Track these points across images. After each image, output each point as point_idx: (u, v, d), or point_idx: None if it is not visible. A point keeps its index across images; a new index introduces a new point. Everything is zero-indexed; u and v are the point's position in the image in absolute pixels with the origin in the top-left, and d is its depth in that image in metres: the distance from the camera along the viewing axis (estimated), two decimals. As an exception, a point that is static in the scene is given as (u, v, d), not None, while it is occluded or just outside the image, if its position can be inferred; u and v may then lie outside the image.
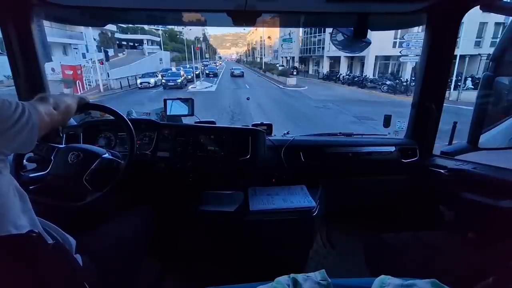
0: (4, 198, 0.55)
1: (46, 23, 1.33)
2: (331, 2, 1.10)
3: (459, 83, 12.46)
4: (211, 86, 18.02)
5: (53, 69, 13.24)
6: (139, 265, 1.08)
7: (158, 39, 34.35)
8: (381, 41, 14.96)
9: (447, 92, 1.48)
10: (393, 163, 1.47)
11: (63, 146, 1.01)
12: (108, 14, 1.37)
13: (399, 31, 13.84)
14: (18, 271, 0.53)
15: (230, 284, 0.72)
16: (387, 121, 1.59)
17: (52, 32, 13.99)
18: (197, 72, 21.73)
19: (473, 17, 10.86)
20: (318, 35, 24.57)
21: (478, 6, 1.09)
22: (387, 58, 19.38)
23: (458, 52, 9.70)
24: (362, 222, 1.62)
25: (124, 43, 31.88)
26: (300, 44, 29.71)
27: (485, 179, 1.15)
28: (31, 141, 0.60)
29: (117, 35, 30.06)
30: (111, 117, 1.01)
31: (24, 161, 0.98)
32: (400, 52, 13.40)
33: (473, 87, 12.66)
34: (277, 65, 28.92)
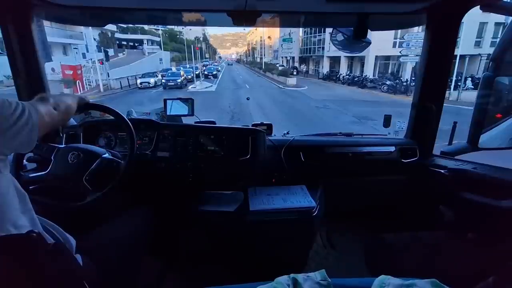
0: (3, 198, 0.55)
1: (46, 23, 1.33)
2: (331, 2, 1.10)
3: (459, 83, 12.46)
4: (211, 86, 18.01)
5: (53, 69, 13.23)
6: (139, 265, 1.08)
7: (158, 39, 34.33)
8: (381, 41, 14.94)
9: (447, 92, 1.48)
10: (393, 163, 1.47)
11: (63, 146, 1.01)
12: (108, 14, 1.37)
13: (399, 31, 13.82)
14: (18, 271, 0.53)
15: (230, 284, 0.72)
16: (387, 121, 1.59)
17: (52, 32, 14.02)
18: (197, 72, 21.73)
19: (473, 17, 10.85)
20: (318, 35, 24.55)
21: (478, 6, 1.09)
22: (387, 58, 19.37)
23: (458, 52, 9.69)
24: (362, 222, 1.62)
25: (124, 43, 31.86)
26: (300, 44, 29.69)
27: (485, 179, 1.14)
28: (31, 141, 0.60)
29: (117, 35, 30.03)
30: (111, 117, 1.01)
31: (24, 161, 0.99)
32: (400, 52, 13.40)
33: (473, 87, 12.66)
34: (277, 65, 28.88)
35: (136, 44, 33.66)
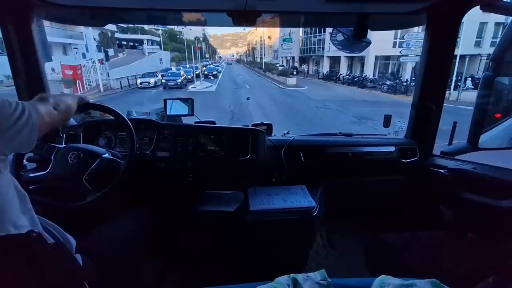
0: (3, 198, 0.55)
1: (46, 23, 1.33)
2: (331, 2, 1.10)
3: (459, 83, 12.46)
4: (211, 86, 18.01)
5: (53, 69, 13.23)
6: (139, 265, 1.08)
7: (158, 39, 34.33)
8: (381, 41, 14.94)
9: (447, 92, 1.48)
10: (393, 163, 1.47)
11: (63, 146, 1.01)
12: (108, 14, 1.37)
13: (399, 31, 13.82)
14: (18, 271, 0.53)
15: (230, 284, 0.72)
16: (387, 121, 1.59)
17: (52, 32, 14.01)
18: (197, 72, 21.73)
19: (473, 17, 10.85)
20: (318, 35, 24.55)
21: (478, 6, 1.09)
22: (387, 58, 19.36)
23: (458, 52, 9.69)
24: (362, 222, 1.62)
25: (124, 43, 31.83)
26: (300, 44, 29.68)
27: (485, 179, 1.14)
28: (31, 141, 0.60)
29: (117, 35, 30.02)
30: (111, 117, 1.01)
31: (24, 161, 0.99)
32: (400, 52, 13.40)
33: (473, 87, 12.66)
34: (277, 65, 28.87)
35: (136, 44, 33.64)
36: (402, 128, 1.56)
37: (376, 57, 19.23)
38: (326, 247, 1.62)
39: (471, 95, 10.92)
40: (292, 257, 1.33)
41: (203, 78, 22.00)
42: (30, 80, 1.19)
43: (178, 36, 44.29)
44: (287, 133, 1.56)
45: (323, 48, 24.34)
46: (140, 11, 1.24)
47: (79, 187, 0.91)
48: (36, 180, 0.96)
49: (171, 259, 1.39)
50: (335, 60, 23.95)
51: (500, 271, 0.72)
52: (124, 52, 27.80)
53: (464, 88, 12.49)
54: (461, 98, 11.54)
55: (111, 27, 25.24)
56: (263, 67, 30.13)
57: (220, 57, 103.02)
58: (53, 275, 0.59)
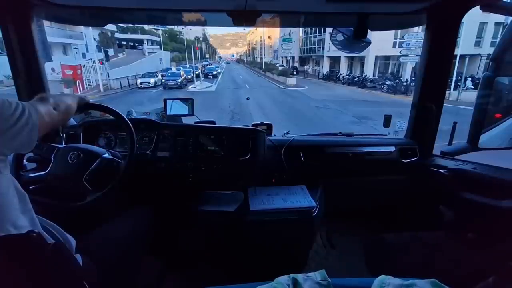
0: (3, 198, 0.55)
1: (46, 23, 1.33)
2: (331, 2, 1.10)
3: (459, 83, 12.46)
4: (211, 86, 18.01)
5: (53, 69, 13.23)
6: (139, 265, 1.08)
7: (158, 39, 34.32)
8: (381, 41, 14.93)
9: (447, 92, 1.48)
10: (393, 163, 1.47)
11: (63, 146, 1.01)
12: (108, 14, 1.37)
13: (399, 31, 13.82)
14: (18, 271, 0.53)
15: (230, 284, 0.72)
16: (387, 121, 1.59)
17: (52, 32, 14.01)
18: (197, 72, 21.72)
19: (473, 17, 10.84)
20: (318, 35, 24.54)
21: (478, 6, 1.09)
22: (387, 58, 19.36)
23: (458, 52, 9.69)
24: (362, 222, 1.62)
25: (124, 43, 31.83)
26: (300, 44, 29.66)
27: (485, 179, 1.15)
28: (31, 141, 0.60)
29: (117, 35, 30.00)
30: (111, 117, 1.01)
31: (24, 161, 0.99)
32: (400, 52, 13.40)
33: (473, 87, 12.66)
34: (277, 65, 28.83)
35: (136, 44, 33.62)
36: (402, 128, 1.56)
37: (376, 57, 19.21)
38: (326, 247, 1.62)
39: (471, 95, 10.92)
40: (292, 257, 1.33)
41: (203, 78, 21.99)
42: (30, 80, 1.19)
43: (178, 36, 44.25)
44: (287, 133, 1.56)
45: (323, 48, 24.32)
46: (140, 11, 1.24)
47: (79, 187, 0.91)
48: (36, 180, 0.96)
49: (171, 259, 1.39)
50: (335, 60, 23.93)
51: (500, 271, 0.72)
52: (124, 52, 27.78)
53: (464, 88, 12.48)
54: (461, 98, 11.54)
55: (111, 27, 25.22)
56: (263, 67, 30.07)
57: (220, 57, 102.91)
58: (53, 275, 0.59)
